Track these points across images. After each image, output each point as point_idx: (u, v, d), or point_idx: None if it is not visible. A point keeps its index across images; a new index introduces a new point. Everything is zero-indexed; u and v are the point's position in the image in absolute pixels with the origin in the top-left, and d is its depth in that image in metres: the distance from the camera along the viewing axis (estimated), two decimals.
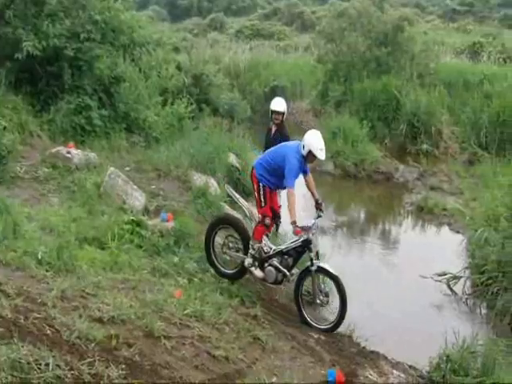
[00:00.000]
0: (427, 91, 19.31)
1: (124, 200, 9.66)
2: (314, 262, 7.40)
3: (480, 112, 17.93)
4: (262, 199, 7.84)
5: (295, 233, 7.35)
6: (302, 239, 7.45)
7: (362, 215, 13.10)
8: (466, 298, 9.50)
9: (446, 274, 9.89)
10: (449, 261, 10.23)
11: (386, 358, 7.06)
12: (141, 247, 8.01)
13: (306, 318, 7.56)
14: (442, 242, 11.79)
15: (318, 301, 7.68)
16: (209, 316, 6.10)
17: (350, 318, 7.38)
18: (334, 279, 7.30)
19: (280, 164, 7.61)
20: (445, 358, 6.58)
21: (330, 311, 7.85)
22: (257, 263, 7.88)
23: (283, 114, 10.03)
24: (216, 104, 19.37)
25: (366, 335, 7.28)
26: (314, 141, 7.50)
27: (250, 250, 7.88)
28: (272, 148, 8.12)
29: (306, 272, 7.61)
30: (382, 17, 22.25)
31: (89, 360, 4.32)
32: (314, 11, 52.90)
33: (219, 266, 8.24)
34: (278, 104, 10.05)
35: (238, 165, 13.54)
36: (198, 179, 11.61)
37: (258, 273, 7.88)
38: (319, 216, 7.77)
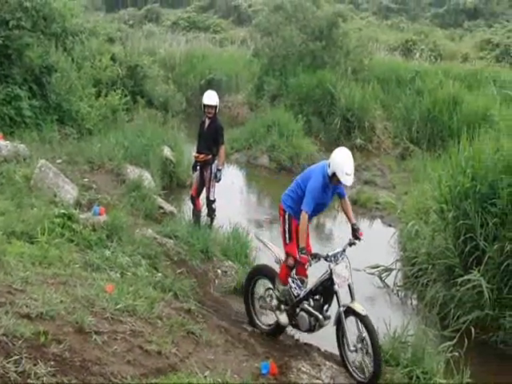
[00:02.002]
0: (361, 87, 19.65)
1: (55, 193, 9.42)
2: (342, 303, 6.47)
3: (412, 108, 18.45)
4: (287, 235, 7.00)
5: (301, 260, 6.55)
6: (328, 272, 6.57)
7: None
8: (398, 290, 9.72)
9: (378, 267, 10.08)
10: (381, 253, 10.42)
11: (319, 349, 7.18)
12: (72, 241, 7.79)
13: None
14: (375, 235, 11.98)
15: (353, 348, 6.40)
16: (141, 311, 5.99)
17: None
18: (363, 321, 6.26)
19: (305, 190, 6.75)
20: None
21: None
22: (282, 307, 7.07)
23: (215, 107, 9.95)
24: (151, 96, 19.22)
25: None
26: (341, 162, 6.46)
27: (275, 291, 7.13)
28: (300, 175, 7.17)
29: (337, 319, 6.53)
30: (317, 12, 22.49)
31: (15, 357, 4.17)
32: (250, 5, 52.98)
33: (258, 321, 7.54)
34: (210, 98, 9.96)
35: (172, 157, 13.50)
36: (132, 172, 11.50)
37: (282, 318, 7.03)
38: (352, 243, 6.90)
